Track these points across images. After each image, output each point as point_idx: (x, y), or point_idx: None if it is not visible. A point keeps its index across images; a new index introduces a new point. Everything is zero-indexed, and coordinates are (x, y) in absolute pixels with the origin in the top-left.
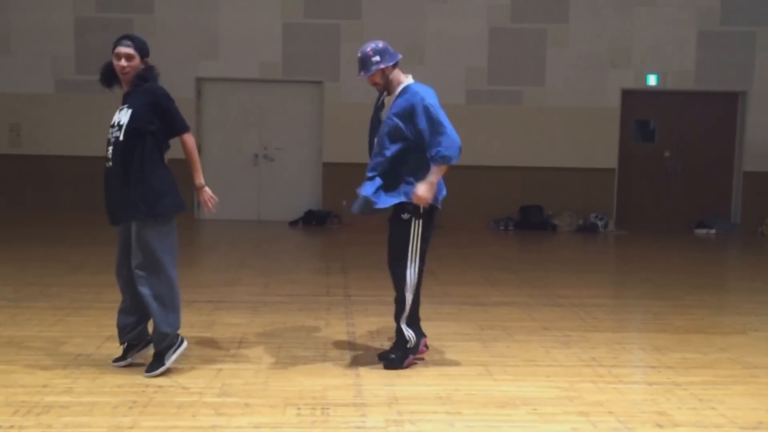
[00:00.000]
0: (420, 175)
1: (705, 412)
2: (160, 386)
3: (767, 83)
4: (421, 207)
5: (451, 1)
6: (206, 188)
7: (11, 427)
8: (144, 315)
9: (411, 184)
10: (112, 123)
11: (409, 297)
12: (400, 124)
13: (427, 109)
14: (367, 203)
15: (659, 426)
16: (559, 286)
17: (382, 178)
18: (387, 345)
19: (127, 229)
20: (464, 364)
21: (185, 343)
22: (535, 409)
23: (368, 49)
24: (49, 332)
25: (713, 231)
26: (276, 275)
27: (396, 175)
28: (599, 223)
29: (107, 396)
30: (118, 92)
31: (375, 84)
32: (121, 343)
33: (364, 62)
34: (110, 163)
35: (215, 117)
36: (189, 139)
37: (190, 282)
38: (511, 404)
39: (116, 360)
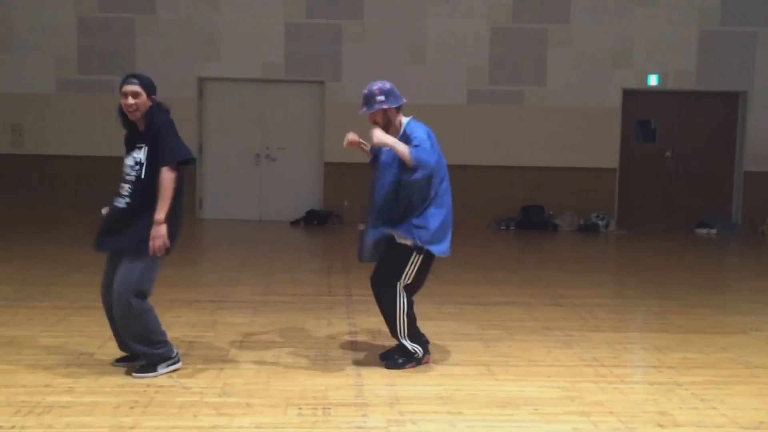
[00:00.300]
0: (425, 216)
1: (706, 412)
2: (161, 386)
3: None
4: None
5: (452, 1)
6: (163, 226)
7: (12, 427)
8: None
9: (421, 228)
10: (130, 163)
11: (402, 319)
12: (396, 169)
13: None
14: (376, 244)
15: (660, 426)
16: (560, 285)
17: (387, 222)
18: (389, 344)
19: (118, 257)
20: (466, 364)
21: (179, 364)
22: (536, 409)
23: (375, 88)
24: (51, 332)
25: (714, 231)
26: (277, 275)
27: (403, 216)
28: (600, 222)
29: (108, 396)
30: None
31: (375, 122)
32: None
33: (368, 99)
34: (127, 200)
35: (217, 117)
36: (167, 174)
37: (191, 281)
38: (513, 404)
39: (120, 360)
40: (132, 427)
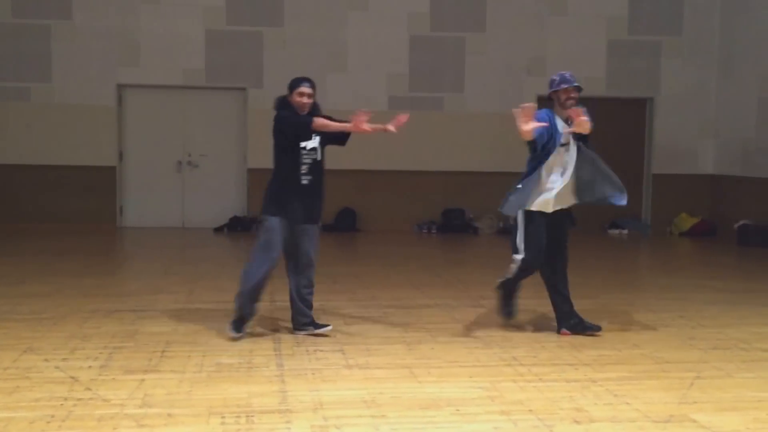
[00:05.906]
0: None
1: (620, 407)
2: (79, 399)
3: (673, 90)
4: None
5: (372, 9)
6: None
7: None
8: None
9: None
10: (308, 147)
11: None
12: None
13: None
14: None
15: (577, 422)
16: (481, 287)
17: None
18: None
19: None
20: (389, 367)
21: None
22: (458, 410)
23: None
24: None
25: (625, 231)
26: (201, 282)
27: None
28: None
29: (24, 411)
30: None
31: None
32: None
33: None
34: (310, 177)
35: (137, 124)
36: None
37: (111, 291)
38: (435, 405)
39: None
40: None
